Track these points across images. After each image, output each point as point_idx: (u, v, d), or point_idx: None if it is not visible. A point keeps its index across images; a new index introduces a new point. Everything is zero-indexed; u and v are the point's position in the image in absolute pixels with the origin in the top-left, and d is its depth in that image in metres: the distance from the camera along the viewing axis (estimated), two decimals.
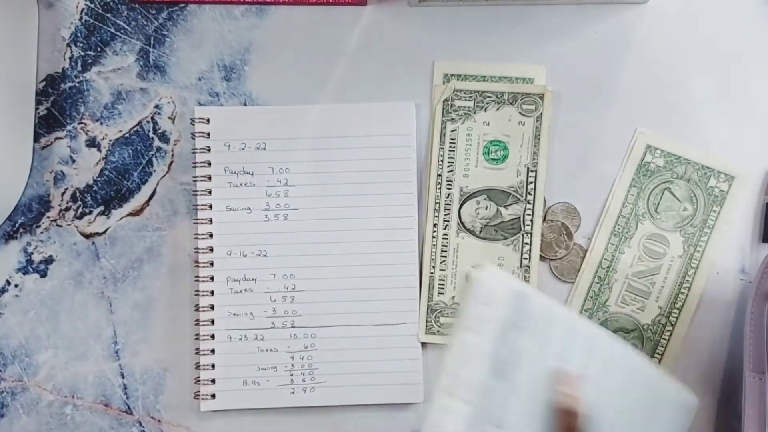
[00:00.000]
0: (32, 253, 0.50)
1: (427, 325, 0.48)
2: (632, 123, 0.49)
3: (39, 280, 0.49)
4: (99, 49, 0.50)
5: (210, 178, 0.49)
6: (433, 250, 0.49)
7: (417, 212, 0.49)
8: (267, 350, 0.48)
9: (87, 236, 0.50)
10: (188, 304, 0.49)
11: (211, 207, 0.49)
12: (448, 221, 0.49)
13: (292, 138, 0.49)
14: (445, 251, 0.49)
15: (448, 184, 0.49)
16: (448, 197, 0.49)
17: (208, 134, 0.49)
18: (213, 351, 0.48)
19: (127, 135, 0.50)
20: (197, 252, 0.49)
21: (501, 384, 0.32)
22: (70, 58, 0.50)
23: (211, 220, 0.49)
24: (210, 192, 0.49)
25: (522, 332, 0.32)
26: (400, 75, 0.50)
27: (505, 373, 0.32)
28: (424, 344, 0.48)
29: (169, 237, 0.49)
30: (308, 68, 0.50)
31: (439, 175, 0.49)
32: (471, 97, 0.49)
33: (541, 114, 0.49)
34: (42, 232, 0.50)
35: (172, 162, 0.50)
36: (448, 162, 0.49)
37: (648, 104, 0.49)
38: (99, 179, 0.50)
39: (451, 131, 0.49)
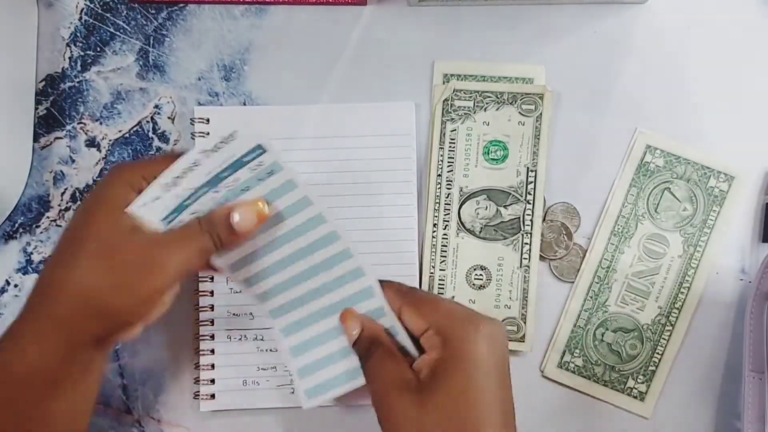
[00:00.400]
0: (32, 253, 0.50)
1: None
2: (632, 123, 0.49)
3: None
4: (98, 49, 0.50)
5: None
6: (433, 250, 0.49)
7: (417, 212, 0.49)
8: (266, 350, 0.48)
9: None
10: (188, 304, 0.49)
11: None
12: (447, 221, 0.49)
13: (291, 138, 0.49)
14: (445, 251, 0.49)
15: (448, 184, 0.49)
16: (447, 197, 0.49)
17: (208, 134, 0.49)
18: (213, 351, 0.48)
19: (127, 135, 0.50)
20: None
21: (211, 193, 0.39)
22: (70, 58, 0.50)
23: None
24: None
25: (246, 169, 0.38)
26: (400, 75, 0.50)
27: (218, 187, 0.39)
28: None
29: None
30: (308, 68, 0.50)
31: (439, 175, 0.49)
32: (471, 97, 0.49)
33: (541, 114, 0.49)
34: (42, 232, 0.50)
35: None
36: (448, 162, 0.49)
37: (648, 104, 0.49)
38: (99, 179, 0.50)
39: (451, 131, 0.49)
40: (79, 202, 0.50)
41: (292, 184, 0.39)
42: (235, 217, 0.39)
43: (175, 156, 0.39)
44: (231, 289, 0.48)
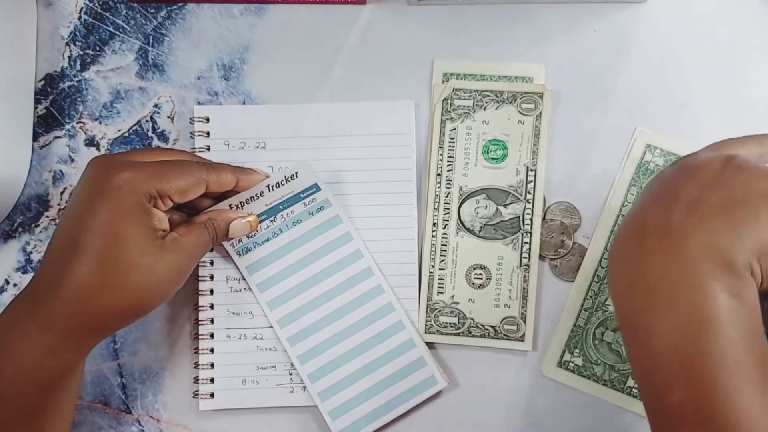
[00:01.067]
0: (31, 252, 0.50)
1: (426, 325, 0.48)
2: (632, 122, 0.49)
3: None
4: (98, 49, 0.50)
5: None
6: (433, 249, 0.49)
7: (416, 211, 0.49)
8: (266, 349, 0.48)
9: None
10: (187, 303, 0.49)
11: None
12: (447, 220, 0.49)
13: (291, 137, 0.49)
14: (445, 250, 0.49)
15: (448, 184, 0.49)
16: (447, 196, 0.49)
17: (208, 133, 0.49)
18: (212, 350, 0.48)
19: (126, 134, 0.50)
20: None
21: (268, 221, 0.47)
22: (69, 57, 0.50)
23: None
24: None
25: (301, 204, 0.47)
26: (400, 74, 0.50)
27: (275, 217, 0.47)
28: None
29: None
30: (307, 67, 0.50)
31: (439, 175, 0.49)
32: (470, 96, 0.49)
33: (541, 113, 0.48)
34: (41, 232, 0.50)
35: None
36: (448, 161, 0.49)
37: (648, 103, 0.49)
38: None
39: (451, 130, 0.49)
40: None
41: (338, 219, 0.47)
42: (233, 227, 0.45)
43: (169, 152, 0.44)
44: (230, 288, 0.48)
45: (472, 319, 0.48)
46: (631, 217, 0.37)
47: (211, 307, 0.48)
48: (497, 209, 0.49)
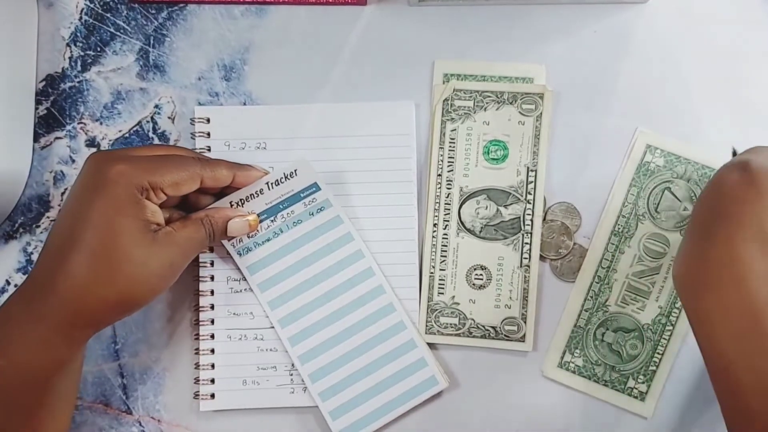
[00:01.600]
0: (32, 253, 0.50)
1: (427, 325, 0.48)
2: (632, 123, 0.49)
3: None
4: (99, 49, 0.50)
5: None
6: (433, 249, 0.49)
7: (417, 212, 0.49)
8: (267, 350, 0.48)
9: None
10: (188, 304, 0.49)
11: None
12: (448, 221, 0.49)
13: (292, 137, 0.49)
14: (445, 251, 0.49)
15: (448, 184, 0.49)
16: (447, 197, 0.49)
17: (208, 134, 0.49)
18: (213, 351, 0.48)
19: (127, 135, 0.50)
20: None
21: (268, 221, 0.47)
22: (70, 58, 0.50)
23: None
24: None
25: (301, 203, 0.47)
26: (400, 74, 0.50)
27: (275, 217, 0.47)
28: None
29: None
30: (308, 68, 0.50)
31: (439, 175, 0.49)
32: (471, 96, 0.49)
33: (541, 113, 0.48)
34: (42, 232, 0.50)
35: None
36: (448, 162, 0.49)
37: (648, 104, 0.49)
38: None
39: (451, 131, 0.49)
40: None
41: (338, 219, 0.47)
42: (232, 225, 0.45)
43: (167, 147, 0.44)
44: (231, 288, 0.48)
45: (473, 319, 0.48)
46: (703, 247, 0.37)
47: (212, 307, 0.48)
48: (498, 210, 0.49)
